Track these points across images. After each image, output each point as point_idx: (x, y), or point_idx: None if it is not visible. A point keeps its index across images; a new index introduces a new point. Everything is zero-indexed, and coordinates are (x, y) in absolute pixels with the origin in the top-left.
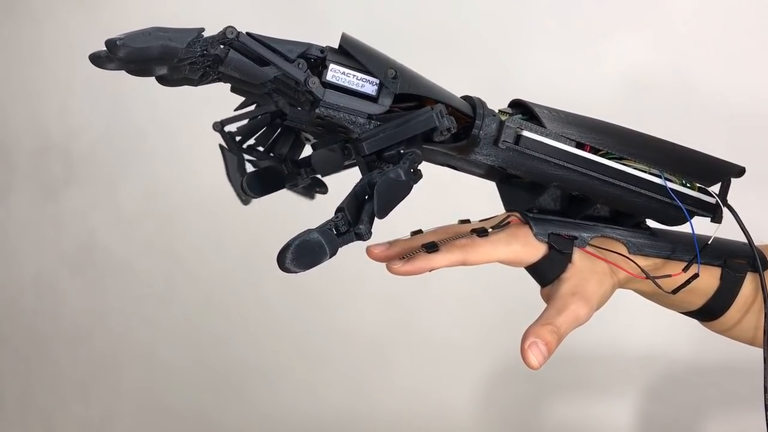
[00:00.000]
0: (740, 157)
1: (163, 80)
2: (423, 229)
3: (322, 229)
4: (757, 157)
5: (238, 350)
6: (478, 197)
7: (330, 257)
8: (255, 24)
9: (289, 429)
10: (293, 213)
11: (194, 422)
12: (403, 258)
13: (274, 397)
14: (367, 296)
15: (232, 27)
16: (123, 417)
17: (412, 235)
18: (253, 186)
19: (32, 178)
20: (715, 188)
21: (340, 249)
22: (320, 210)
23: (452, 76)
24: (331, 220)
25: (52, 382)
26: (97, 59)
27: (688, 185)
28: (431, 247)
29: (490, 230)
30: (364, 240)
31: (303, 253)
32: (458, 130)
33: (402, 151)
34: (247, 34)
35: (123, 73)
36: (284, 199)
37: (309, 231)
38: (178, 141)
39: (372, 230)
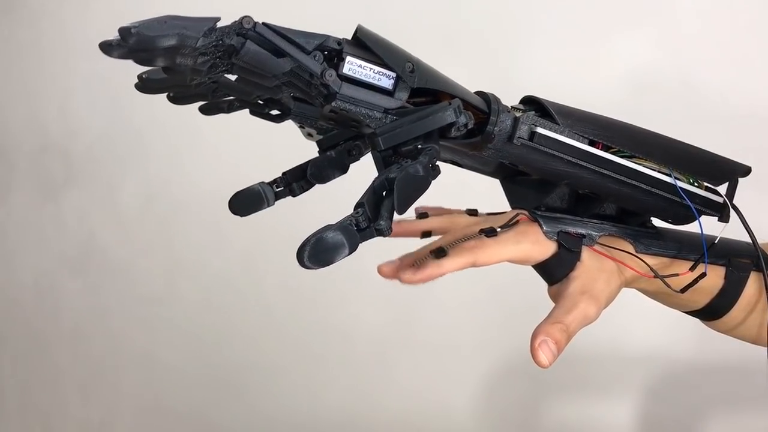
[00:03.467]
0: (741, 156)
1: (168, 71)
2: (428, 212)
3: (342, 224)
4: (759, 157)
5: (238, 350)
6: (479, 194)
7: (350, 253)
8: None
9: (289, 429)
10: (294, 213)
11: (194, 422)
12: (414, 266)
13: (274, 397)
14: (367, 296)
15: (249, 17)
16: (123, 417)
17: (417, 217)
18: (235, 206)
19: (32, 178)
20: (722, 187)
21: (360, 245)
22: (321, 210)
23: (453, 76)
24: (351, 215)
25: (52, 382)
26: (107, 47)
27: (696, 184)
28: (440, 253)
29: (498, 230)
30: (384, 236)
31: (322, 250)
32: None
33: (420, 146)
34: (264, 24)
35: (122, 73)
36: (284, 198)
37: (328, 227)
38: (177, 141)
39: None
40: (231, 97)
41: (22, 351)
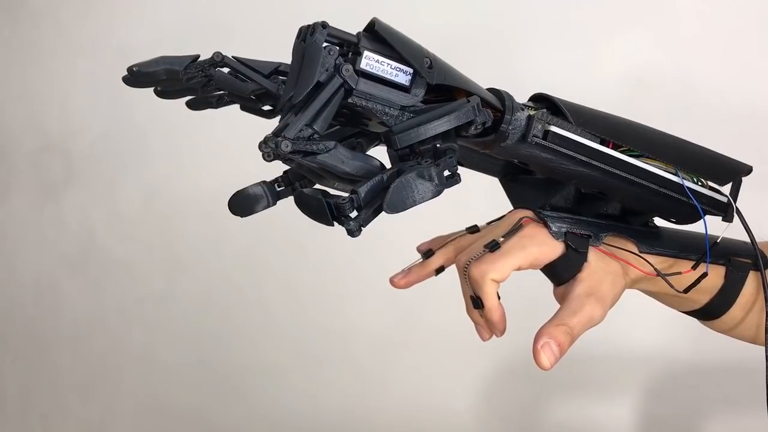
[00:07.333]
0: (740, 156)
1: (163, 94)
2: (433, 248)
3: (328, 201)
4: (758, 157)
5: (238, 350)
6: (478, 193)
7: (324, 224)
8: (250, 32)
9: (289, 429)
10: (294, 212)
11: (194, 422)
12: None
13: (274, 397)
14: (368, 296)
15: (218, 52)
16: (123, 417)
17: (423, 257)
18: (235, 207)
19: (32, 178)
20: (726, 187)
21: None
22: None
23: None
24: (340, 197)
25: (52, 382)
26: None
27: (700, 183)
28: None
29: (501, 240)
30: (351, 236)
31: (303, 204)
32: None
33: (438, 146)
34: (233, 57)
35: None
36: (285, 198)
37: (323, 194)
38: (177, 141)
39: (364, 227)
40: (220, 92)
41: (22, 351)
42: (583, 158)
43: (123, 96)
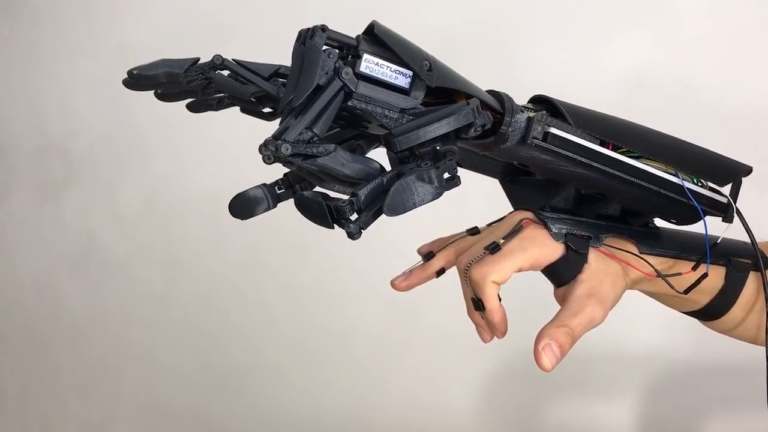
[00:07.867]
0: (740, 156)
1: (163, 97)
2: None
3: (328, 203)
4: (758, 157)
5: (238, 351)
6: (477, 195)
7: (324, 227)
8: (250, 33)
9: (288, 429)
10: (293, 213)
11: (194, 422)
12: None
13: (273, 398)
14: (368, 297)
15: (218, 55)
16: (123, 417)
17: (424, 259)
18: (236, 210)
19: (32, 178)
20: (725, 188)
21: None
22: None
23: None
24: (340, 200)
25: (52, 382)
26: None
27: (700, 184)
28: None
29: (501, 242)
30: (351, 239)
31: (303, 207)
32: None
33: (438, 148)
34: (232, 59)
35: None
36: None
37: (324, 197)
38: (177, 141)
39: (365, 230)
40: (221, 94)
41: (22, 351)
42: (583, 160)
43: (123, 96)
